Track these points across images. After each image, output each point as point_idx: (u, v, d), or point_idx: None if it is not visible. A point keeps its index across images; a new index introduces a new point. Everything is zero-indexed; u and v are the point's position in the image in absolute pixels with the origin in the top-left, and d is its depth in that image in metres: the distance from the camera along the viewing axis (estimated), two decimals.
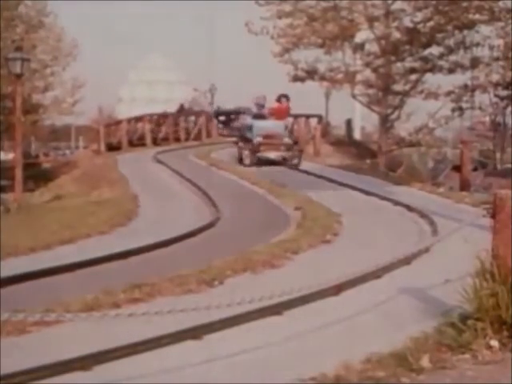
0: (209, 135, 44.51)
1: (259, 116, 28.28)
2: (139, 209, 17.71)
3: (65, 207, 21.69)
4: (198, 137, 43.72)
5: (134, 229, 15.04)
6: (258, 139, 26.94)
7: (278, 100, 29.10)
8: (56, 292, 8.79)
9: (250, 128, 27.93)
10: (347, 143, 39.51)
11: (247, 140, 27.63)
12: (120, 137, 40.73)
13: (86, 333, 6.58)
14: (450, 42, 31.86)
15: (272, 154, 26.94)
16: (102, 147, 39.17)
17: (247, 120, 28.94)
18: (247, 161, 26.98)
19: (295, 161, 26.87)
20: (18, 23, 38.37)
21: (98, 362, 5.93)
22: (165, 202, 19.36)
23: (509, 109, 32.38)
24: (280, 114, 28.51)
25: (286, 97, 29.38)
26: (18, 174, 23.69)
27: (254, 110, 28.81)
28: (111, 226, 14.90)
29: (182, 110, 45.46)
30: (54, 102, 42.75)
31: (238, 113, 35.09)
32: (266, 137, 27.01)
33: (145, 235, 13.57)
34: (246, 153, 27.32)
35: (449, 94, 31.81)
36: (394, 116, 32.42)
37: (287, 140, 27.61)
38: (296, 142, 28.44)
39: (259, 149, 26.92)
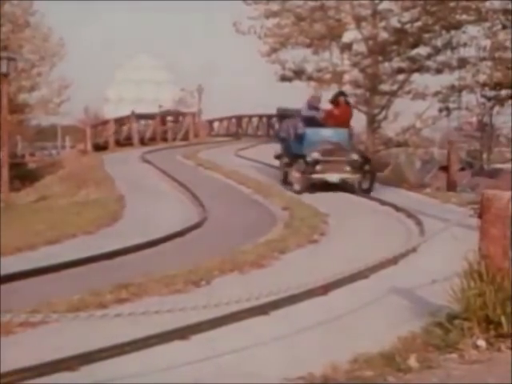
0: (196, 135, 44.49)
1: (312, 122, 20.01)
2: (125, 209, 17.67)
3: (51, 207, 21.62)
4: (185, 137, 43.70)
5: (120, 229, 14.99)
6: (313, 155, 18.98)
7: (335, 101, 20.64)
8: (42, 292, 8.75)
9: (300, 138, 19.92)
10: None
11: (296, 156, 19.64)
12: (107, 137, 40.66)
13: (73, 333, 6.55)
14: (438, 42, 31.92)
15: (333, 176, 19.16)
16: (89, 147, 39.09)
17: (298, 126, 20.27)
18: (297, 186, 19.12)
19: (365, 184, 19.24)
20: (3, 22, 38.21)
21: (85, 362, 5.91)
22: (151, 202, 19.32)
23: (496, 109, 32.48)
24: (339, 119, 20.08)
25: (345, 95, 21.58)
26: (4, 173, 23.62)
27: (305, 113, 20.36)
28: (97, 227, 14.86)
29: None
30: (41, 101, 42.63)
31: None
32: (325, 152, 19.13)
33: (131, 235, 13.53)
34: (295, 174, 19.49)
35: (436, 94, 31.85)
36: (381, 116, 32.46)
37: (354, 156, 19.38)
38: (367, 159, 19.96)
39: (315, 169, 19.08)
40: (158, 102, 57.24)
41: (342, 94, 21.47)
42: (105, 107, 63.01)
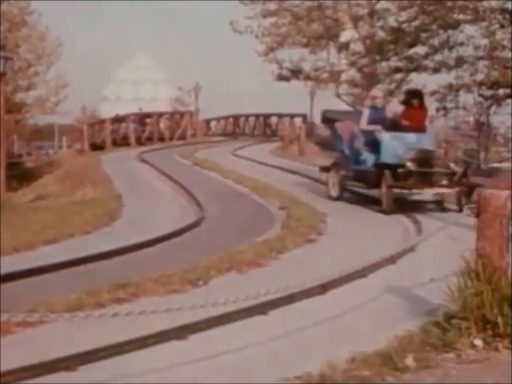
0: (194, 135, 44.50)
1: (392, 124, 16.13)
2: (123, 208, 17.66)
3: (48, 207, 21.61)
4: (182, 136, 43.71)
5: (118, 228, 14.99)
6: (407, 164, 15.24)
7: (408, 101, 16.55)
8: (40, 292, 8.74)
9: (373, 145, 16.02)
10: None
11: (377, 166, 15.68)
12: (104, 136, 40.65)
13: (70, 333, 6.55)
14: (435, 41, 32.00)
15: (427, 192, 15.66)
16: (86, 146, 39.06)
17: (379, 132, 16.05)
18: (387, 204, 15.15)
19: (463, 202, 15.08)
20: (0, 21, 38.20)
21: (83, 362, 5.90)
22: (149, 201, 19.32)
23: (493, 108, 32.50)
24: (417, 123, 16.22)
25: (420, 95, 17.15)
26: (1, 173, 23.59)
27: (367, 115, 16.47)
28: (95, 226, 14.85)
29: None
30: (38, 101, 42.61)
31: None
32: (419, 162, 15.32)
33: (129, 235, 13.53)
34: (383, 190, 15.29)
35: (433, 93, 31.92)
36: None
37: (453, 167, 15.64)
38: (465, 171, 15.83)
39: (406, 183, 15.28)
40: (156, 101, 57.24)
41: (416, 93, 17.08)
42: (102, 106, 63.00)
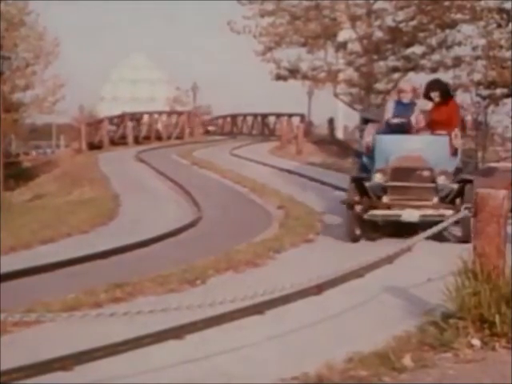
0: (191, 134, 44.50)
1: (401, 127, 12.46)
2: (120, 208, 17.65)
3: (45, 206, 21.60)
4: (180, 135, 43.70)
5: (115, 228, 14.98)
6: (376, 178, 11.98)
7: (427, 96, 12.84)
8: (37, 292, 8.73)
9: (370, 151, 12.52)
10: (330, 142, 39.55)
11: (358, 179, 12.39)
12: (101, 135, 40.63)
13: (67, 333, 6.54)
14: (432, 41, 32.03)
15: (409, 214, 11.88)
16: (84, 146, 39.03)
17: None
18: (355, 228, 12.03)
19: (463, 229, 11.55)
20: None
21: (80, 361, 5.89)
22: (146, 201, 19.30)
23: (490, 108, 32.52)
24: (441, 123, 12.47)
25: (441, 88, 12.99)
26: None
27: (390, 112, 12.65)
28: (92, 226, 14.84)
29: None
30: (35, 100, 42.59)
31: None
32: (396, 173, 11.94)
33: (126, 235, 13.52)
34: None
35: None
36: None
37: (442, 180, 11.92)
38: (466, 182, 12.03)
39: (380, 201, 12.01)
40: (153, 101, 57.26)
41: (435, 86, 12.86)
42: (99, 106, 62.96)
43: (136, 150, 35.32)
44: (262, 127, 46.73)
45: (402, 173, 11.84)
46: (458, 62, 31.73)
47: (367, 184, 11.95)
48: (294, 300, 7.72)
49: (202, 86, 53.85)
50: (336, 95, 34.31)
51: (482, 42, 31.17)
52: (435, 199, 11.86)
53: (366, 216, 11.85)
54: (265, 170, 25.55)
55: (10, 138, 43.79)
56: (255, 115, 47.74)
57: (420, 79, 32.24)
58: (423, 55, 32.49)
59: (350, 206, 12.09)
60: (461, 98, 32.21)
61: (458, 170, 12.39)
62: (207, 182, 22.97)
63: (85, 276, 10.05)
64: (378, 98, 32.51)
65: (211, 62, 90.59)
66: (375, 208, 11.93)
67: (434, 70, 32.08)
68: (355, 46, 33.74)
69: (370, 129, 12.86)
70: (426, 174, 11.87)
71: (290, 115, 43.19)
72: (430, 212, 11.71)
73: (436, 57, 32.35)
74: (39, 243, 12.95)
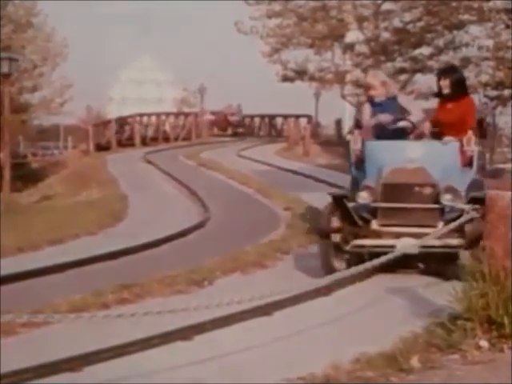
0: (198, 135, 44.54)
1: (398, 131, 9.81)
2: (128, 209, 17.67)
3: (53, 207, 21.64)
4: (187, 137, 43.75)
5: (123, 229, 15.00)
6: (360, 196, 9.28)
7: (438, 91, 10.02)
8: (44, 293, 8.74)
9: (359, 162, 9.90)
10: (337, 143, 39.56)
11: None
12: (109, 137, 40.69)
13: (75, 334, 6.55)
14: (440, 42, 31.95)
15: (406, 243, 8.75)
16: (91, 147, 39.11)
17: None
18: (332, 259, 9.23)
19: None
20: (5, 22, 38.26)
21: (88, 362, 5.90)
22: (154, 202, 19.32)
23: (498, 109, 32.43)
24: (442, 123, 9.85)
25: (462, 81, 10.27)
26: (7, 173, 23.60)
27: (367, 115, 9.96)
28: (100, 227, 14.86)
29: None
30: (43, 101, 42.67)
31: None
32: (388, 191, 9.26)
33: (134, 236, 13.53)
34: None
35: None
36: None
37: (448, 201, 9.14)
38: (479, 200, 8.41)
39: (368, 228, 9.26)
40: (161, 102, 57.32)
41: (447, 74, 10.07)
42: (107, 107, 63.07)
43: (143, 152, 35.37)
44: (270, 128, 46.75)
45: (396, 190, 9.13)
46: (465, 63, 31.62)
47: (350, 205, 9.10)
48: (302, 301, 7.71)
49: (209, 86, 53.86)
50: (343, 96, 34.28)
51: (490, 42, 31.11)
52: (440, 224, 8.89)
53: (347, 247, 9.01)
54: (272, 171, 25.56)
55: (17, 139, 43.88)
56: (262, 116, 47.76)
57: (428, 80, 32.28)
58: (431, 56, 32.41)
59: (324, 234, 9.21)
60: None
61: (472, 185, 9.52)
62: (214, 183, 22.98)
63: (92, 277, 10.06)
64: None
65: (219, 62, 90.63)
66: (361, 236, 9.08)
67: None
68: (362, 48, 33.70)
69: (360, 133, 9.94)
70: (427, 191, 9.11)
71: (297, 116, 43.23)
72: (433, 242, 8.55)
73: (443, 58, 32.26)
74: (47, 244, 12.97)
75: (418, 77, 32.94)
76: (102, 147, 39.38)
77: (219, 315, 6.81)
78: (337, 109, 41.96)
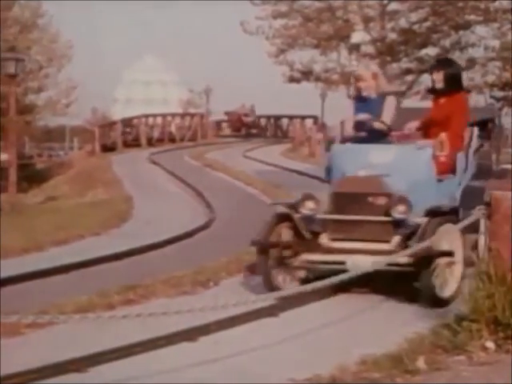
0: (204, 136, 44.56)
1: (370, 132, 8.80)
2: (133, 210, 17.68)
3: (58, 208, 21.66)
4: (193, 138, 43.78)
5: (128, 230, 15.00)
6: (306, 206, 8.25)
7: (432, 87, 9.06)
8: (49, 293, 8.75)
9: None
10: None
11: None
12: (114, 137, 40.74)
13: (80, 334, 6.54)
14: (446, 42, 31.92)
15: (356, 261, 7.76)
16: (97, 148, 39.17)
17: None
18: (273, 276, 8.17)
19: (448, 287, 7.74)
20: (11, 23, 38.33)
21: (93, 363, 5.89)
22: (159, 203, 19.33)
23: (504, 110, 32.38)
24: (441, 121, 8.74)
25: (456, 75, 9.18)
26: (12, 174, 23.62)
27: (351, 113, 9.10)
28: (105, 228, 14.87)
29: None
30: (48, 102, 42.74)
31: None
32: (338, 201, 8.25)
33: (139, 236, 13.54)
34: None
35: None
36: None
37: (400, 213, 7.93)
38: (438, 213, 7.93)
39: (316, 242, 8.19)
40: (166, 103, 57.37)
41: (441, 66, 9.10)
42: (113, 108, 63.16)
43: (149, 152, 35.40)
44: (275, 129, 46.76)
45: (346, 201, 8.15)
46: (471, 63, 31.60)
47: (296, 216, 8.19)
48: (308, 302, 7.69)
49: (214, 87, 53.93)
50: (349, 97, 34.22)
51: (496, 43, 31.06)
52: (395, 239, 7.91)
53: (295, 264, 8.17)
54: (277, 171, 25.55)
55: (23, 139, 43.94)
56: (268, 117, 47.77)
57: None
58: (437, 57, 32.37)
59: (263, 249, 8.22)
60: (475, 99, 32.21)
61: (465, 194, 8.70)
62: (220, 184, 22.98)
63: (98, 278, 10.06)
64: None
65: (224, 63, 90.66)
66: (308, 251, 8.13)
67: None
68: (368, 48, 33.67)
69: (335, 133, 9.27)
70: (381, 202, 8.03)
71: (303, 117, 43.21)
72: (386, 258, 7.50)
73: None
74: (52, 245, 12.98)
75: (425, 77, 32.88)
76: (107, 148, 39.44)
77: (224, 316, 6.81)
78: (343, 110, 41.84)
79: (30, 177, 33.95)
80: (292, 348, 6.40)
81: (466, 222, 7.91)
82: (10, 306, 6.98)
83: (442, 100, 8.87)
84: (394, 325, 6.97)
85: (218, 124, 50.22)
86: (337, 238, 8.12)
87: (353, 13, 33.27)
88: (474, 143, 9.11)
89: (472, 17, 30.67)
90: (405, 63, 33.02)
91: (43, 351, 6.27)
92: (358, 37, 33.62)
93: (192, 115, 47.58)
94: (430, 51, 32.36)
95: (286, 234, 8.29)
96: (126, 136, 41.50)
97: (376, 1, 32.87)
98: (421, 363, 5.59)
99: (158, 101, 64.33)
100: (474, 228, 8.42)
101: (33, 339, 6.62)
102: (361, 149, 8.57)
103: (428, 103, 9.74)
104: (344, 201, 8.17)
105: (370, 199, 8.09)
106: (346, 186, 8.22)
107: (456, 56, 31.88)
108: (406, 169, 8.25)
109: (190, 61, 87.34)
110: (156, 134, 43.15)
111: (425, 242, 7.40)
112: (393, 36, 33.16)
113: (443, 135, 8.53)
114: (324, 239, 8.14)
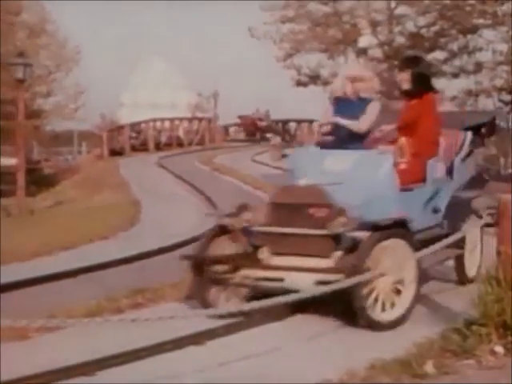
0: (212, 140, 44.59)
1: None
2: (141, 214, 17.69)
3: (67, 212, 21.69)
4: (201, 142, 43.83)
5: (136, 234, 15.01)
6: (243, 219, 7.57)
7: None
8: (58, 298, 8.76)
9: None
10: None
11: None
12: (122, 142, 40.81)
13: (89, 338, 6.55)
14: (454, 46, 31.92)
15: (294, 278, 7.09)
16: (105, 152, 39.24)
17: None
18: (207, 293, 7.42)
19: (396, 309, 7.06)
20: (18, 28, 38.46)
21: (101, 367, 5.90)
22: (167, 207, 19.33)
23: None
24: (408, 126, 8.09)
25: (424, 75, 8.40)
26: (21, 178, 23.66)
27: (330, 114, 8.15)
28: (113, 231, 14.89)
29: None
30: (56, 107, 42.85)
31: None
32: (275, 212, 7.47)
33: (147, 240, 13.54)
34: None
35: (453, 98, 31.81)
36: None
37: (338, 227, 7.04)
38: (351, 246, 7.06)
39: (253, 258, 7.45)
40: (174, 107, 57.43)
41: (412, 61, 8.49)
42: (120, 112, 63.25)
43: (157, 156, 35.45)
44: (283, 133, 46.75)
45: (284, 212, 7.36)
46: (479, 67, 31.59)
47: (236, 228, 7.53)
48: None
49: (222, 91, 53.93)
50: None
51: (504, 47, 31.02)
52: (337, 254, 7.08)
53: (235, 280, 7.38)
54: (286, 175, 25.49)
55: (31, 144, 44.04)
56: (276, 121, 47.78)
57: (442, 85, 32.17)
58: (445, 61, 32.37)
59: (197, 265, 7.46)
60: (483, 103, 32.14)
61: (450, 208, 8.17)
62: (228, 188, 22.97)
63: (106, 282, 10.07)
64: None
65: (231, 67, 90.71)
66: (247, 267, 7.37)
67: (455, 76, 31.98)
68: (376, 52, 33.69)
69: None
70: (321, 214, 7.17)
71: (311, 121, 43.18)
72: (326, 276, 6.90)
73: (457, 62, 32.22)
74: (60, 249, 13.00)
75: (432, 81, 32.85)
76: (115, 152, 39.50)
77: (232, 320, 6.81)
78: None
79: (39, 181, 34.03)
80: (300, 352, 6.38)
81: (419, 235, 7.44)
82: (18, 310, 7.00)
83: (412, 102, 8.22)
84: (403, 329, 6.96)
85: (226, 128, 50.24)
86: (277, 253, 7.32)
87: (360, 17, 33.30)
88: (465, 149, 8.58)
89: (480, 21, 30.66)
90: None
91: (51, 355, 6.27)
92: (365, 41, 33.64)
93: (200, 119, 47.61)
94: (438, 55, 32.37)
95: (227, 247, 7.53)
96: (133, 140, 41.55)
97: (384, 3, 32.88)
98: (430, 367, 5.58)
99: (166, 105, 64.37)
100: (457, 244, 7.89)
101: (41, 343, 6.63)
102: (317, 155, 7.81)
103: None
104: (282, 212, 7.34)
105: (311, 211, 7.20)
106: (283, 196, 7.49)
107: (464, 60, 31.89)
108: (364, 177, 7.42)
109: (197, 65, 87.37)
110: (164, 138, 43.19)
111: (356, 259, 6.74)
112: (400, 40, 33.19)
113: (403, 140, 7.81)
114: (263, 254, 7.36)
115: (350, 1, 32.95)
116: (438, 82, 32.38)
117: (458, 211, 8.24)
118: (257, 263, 7.34)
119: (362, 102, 7.96)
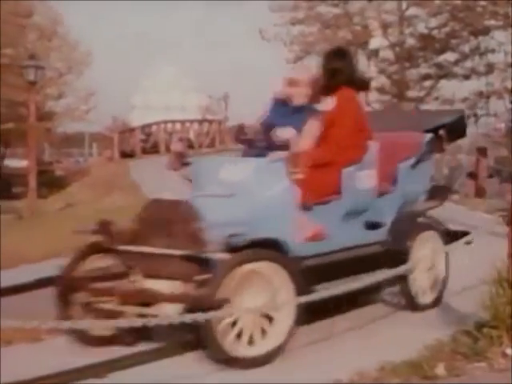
0: (222, 142, 44.68)
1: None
2: None
3: (78, 214, 21.70)
4: (211, 144, 43.89)
5: None
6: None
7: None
8: None
9: None
10: None
11: None
12: (133, 144, 40.89)
13: None
14: (465, 48, 31.85)
15: (160, 309, 6.06)
16: (116, 154, 39.32)
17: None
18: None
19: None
20: (30, 30, 38.59)
21: (113, 369, 5.91)
22: None
23: None
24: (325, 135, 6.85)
25: (336, 70, 7.04)
26: (32, 180, 23.73)
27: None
28: None
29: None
30: (67, 109, 42.97)
31: None
32: (148, 229, 6.59)
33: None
34: None
35: (464, 100, 31.74)
36: None
37: (213, 251, 5.87)
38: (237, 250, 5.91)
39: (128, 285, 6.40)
40: (185, 110, 57.53)
41: (332, 56, 7.30)
42: (131, 114, 63.40)
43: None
44: None
45: (149, 228, 6.56)
46: (491, 68, 31.51)
47: (111, 246, 6.74)
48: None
49: (232, 94, 54.04)
50: (368, 103, 34.22)
51: None
52: (200, 279, 5.98)
53: (107, 307, 6.34)
54: None
55: (43, 146, 44.16)
56: None
57: (453, 87, 32.12)
58: (456, 62, 32.30)
59: (62, 289, 6.79)
60: (494, 105, 32.03)
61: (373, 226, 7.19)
62: None
63: None
64: (410, 106, 32.39)
65: (241, 69, 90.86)
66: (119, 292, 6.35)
67: (466, 77, 31.91)
68: (387, 54, 33.65)
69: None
70: (189, 231, 6.14)
71: None
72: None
73: (469, 64, 32.15)
74: (72, 251, 12.99)
75: (443, 83, 32.81)
76: (126, 154, 39.57)
77: None
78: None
79: (50, 183, 34.10)
80: (310, 354, 6.38)
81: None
82: (29, 312, 7.02)
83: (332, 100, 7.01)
84: (414, 331, 6.94)
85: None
86: (147, 275, 6.32)
87: (371, 18, 33.28)
88: (416, 154, 7.57)
89: (491, 22, 30.58)
90: (423, 69, 32.98)
91: (63, 357, 6.28)
92: (376, 42, 33.62)
93: (210, 121, 47.66)
94: (449, 57, 32.32)
95: (98, 268, 6.73)
96: (144, 142, 41.63)
97: (394, 4, 32.84)
98: (440, 370, 5.57)
99: (176, 107, 64.48)
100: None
101: (52, 345, 6.64)
102: (215, 163, 7.08)
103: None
104: (147, 228, 6.47)
105: (179, 227, 6.20)
106: (148, 211, 6.68)
107: (475, 61, 31.81)
108: (255, 189, 6.43)
109: (207, 67, 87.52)
110: (175, 140, 43.24)
111: (208, 287, 5.71)
112: (411, 41, 33.14)
113: (298, 146, 6.59)
114: (135, 276, 6.39)
115: (361, 1, 32.92)
116: (449, 84, 32.39)
117: (409, 226, 7.29)
118: (129, 287, 6.30)
119: (299, 111, 6.89)
